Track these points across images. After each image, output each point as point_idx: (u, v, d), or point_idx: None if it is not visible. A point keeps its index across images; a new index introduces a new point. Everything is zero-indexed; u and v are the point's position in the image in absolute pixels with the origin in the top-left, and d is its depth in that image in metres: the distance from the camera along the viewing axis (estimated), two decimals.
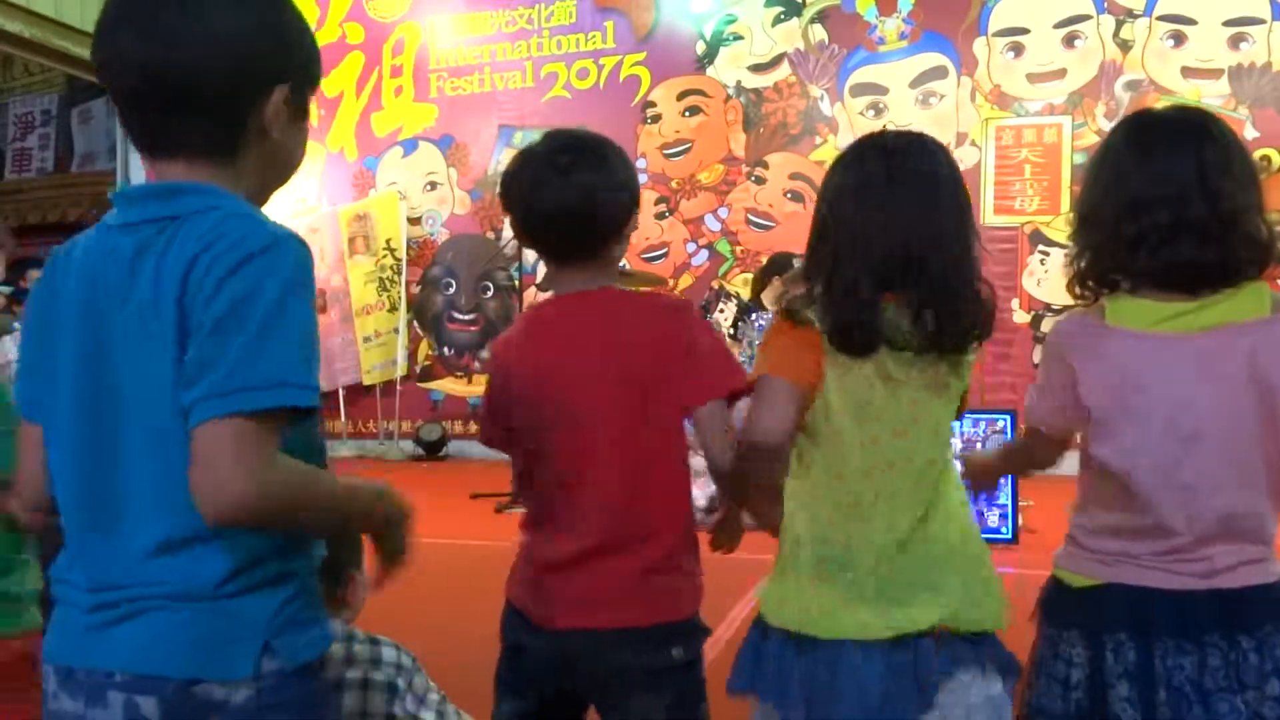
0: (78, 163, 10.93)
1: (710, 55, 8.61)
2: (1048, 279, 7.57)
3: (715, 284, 8.37)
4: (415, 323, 9.35)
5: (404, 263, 9.13)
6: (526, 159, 1.60)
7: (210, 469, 0.98)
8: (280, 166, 1.20)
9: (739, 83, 8.53)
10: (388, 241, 9.18)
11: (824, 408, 1.45)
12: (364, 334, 9.24)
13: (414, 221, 9.29)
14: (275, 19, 1.13)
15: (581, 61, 8.92)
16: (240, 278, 1.01)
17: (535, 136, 1.69)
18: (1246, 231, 1.44)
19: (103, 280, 1.08)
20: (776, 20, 8.44)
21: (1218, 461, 1.44)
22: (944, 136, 7.92)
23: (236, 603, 1.06)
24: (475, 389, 9.17)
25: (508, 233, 8.62)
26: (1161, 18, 7.53)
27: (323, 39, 9.64)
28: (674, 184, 8.65)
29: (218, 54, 1.08)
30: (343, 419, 9.36)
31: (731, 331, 6.52)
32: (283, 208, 9.59)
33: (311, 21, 8.64)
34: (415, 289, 9.31)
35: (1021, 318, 7.58)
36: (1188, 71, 7.48)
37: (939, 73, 8.02)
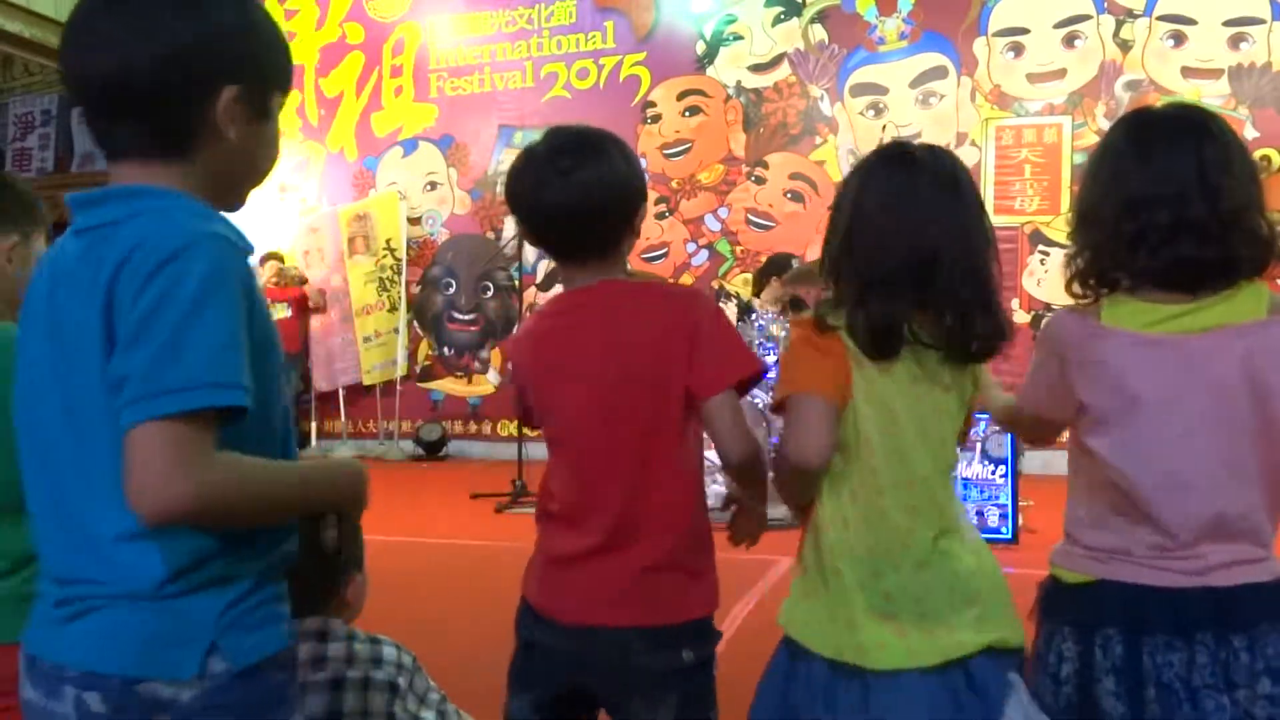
0: (78, 163, 10.94)
1: (710, 55, 8.61)
2: (1048, 279, 7.58)
3: (715, 284, 8.38)
4: (415, 323, 9.36)
5: (404, 263, 9.14)
6: (528, 159, 1.60)
7: (138, 473, 1.00)
8: (245, 167, 1.20)
9: (739, 83, 8.53)
10: (388, 241, 9.19)
11: (853, 421, 1.45)
12: (364, 334, 9.25)
13: (414, 221, 9.30)
14: (219, 21, 1.13)
15: (581, 61, 8.92)
16: (154, 283, 1.01)
17: (535, 136, 1.68)
18: (1247, 230, 1.44)
19: (60, 284, 1.11)
20: (776, 20, 8.44)
21: (1212, 462, 1.44)
22: (944, 136, 7.94)
23: (182, 602, 1.07)
24: (475, 389, 9.18)
25: (508, 233, 8.64)
26: (1161, 18, 7.54)
27: (323, 39, 9.66)
28: (674, 184, 8.66)
29: (151, 58, 1.09)
30: (343, 419, 9.37)
31: (738, 328, 6.51)
32: (283, 208, 9.61)
33: (311, 21, 8.59)
34: (415, 289, 9.32)
35: (1021, 318, 7.59)
36: (1188, 71, 7.48)
37: (939, 73, 8.03)
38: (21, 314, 1.17)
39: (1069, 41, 7.75)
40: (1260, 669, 1.40)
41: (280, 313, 8.70)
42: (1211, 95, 7.28)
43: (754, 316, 6.25)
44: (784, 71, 8.42)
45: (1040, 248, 7.69)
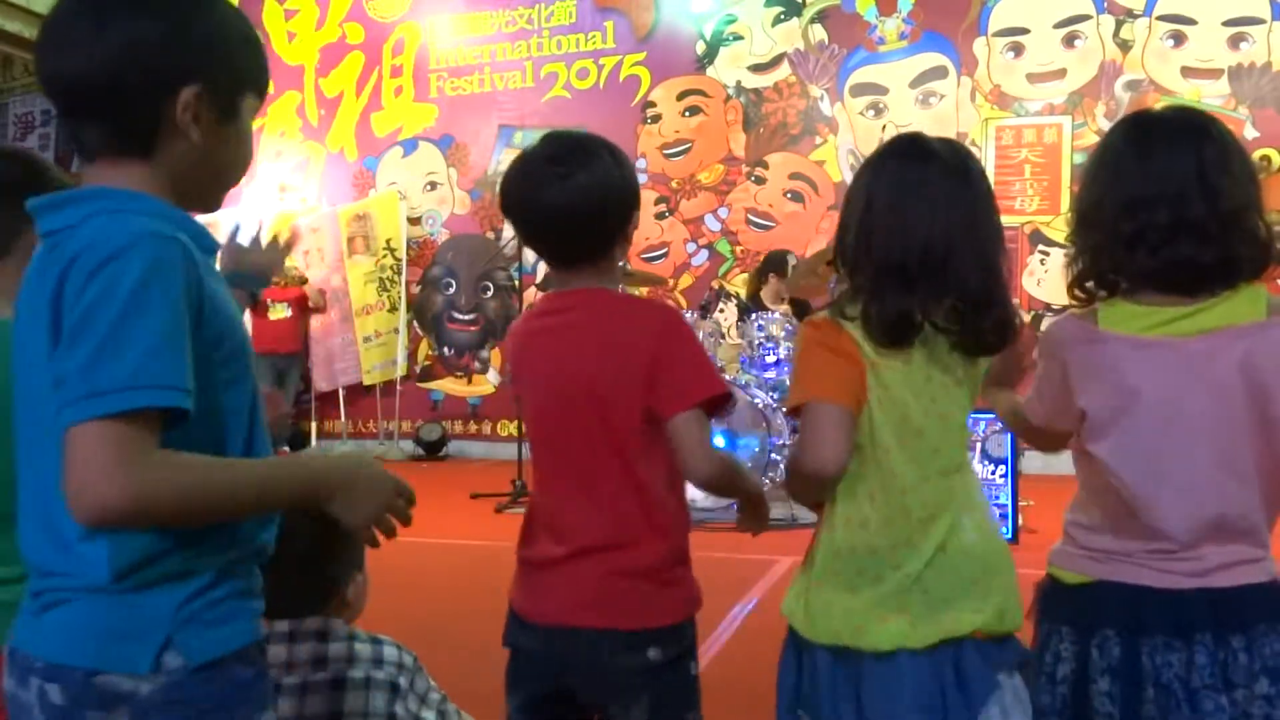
0: (78, 163, 10.94)
1: (710, 55, 8.62)
2: (1048, 279, 7.58)
3: (715, 284, 8.38)
4: (415, 323, 9.36)
5: (404, 263, 9.14)
6: (524, 163, 1.61)
7: (73, 474, 1.00)
8: (213, 168, 1.20)
9: (739, 83, 8.54)
10: (388, 241, 9.19)
11: (868, 421, 1.45)
12: (364, 334, 9.25)
13: (414, 221, 9.31)
14: (179, 21, 1.14)
15: (581, 61, 8.92)
16: (93, 283, 1.01)
17: (535, 136, 1.68)
18: (1246, 230, 1.44)
19: (25, 288, 1.13)
20: (776, 20, 8.44)
21: (1210, 464, 1.44)
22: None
23: (137, 596, 1.08)
24: (475, 389, 9.18)
25: (508, 233, 8.64)
26: (1161, 18, 7.54)
27: (323, 39, 9.67)
28: (674, 184, 8.66)
29: (110, 57, 1.10)
30: (343, 419, 9.37)
31: (737, 330, 6.55)
32: (284, 208, 9.62)
33: (311, 21, 8.60)
34: (415, 289, 9.32)
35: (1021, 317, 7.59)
36: (1188, 71, 7.49)
37: (939, 73, 8.03)
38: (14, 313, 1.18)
39: (1069, 41, 7.76)
40: (1258, 669, 1.41)
41: (280, 313, 8.71)
42: (1211, 95, 7.29)
43: (754, 316, 6.27)
44: (784, 71, 8.42)
45: (1040, 248, 7.70)
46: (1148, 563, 1.45)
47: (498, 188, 1.64)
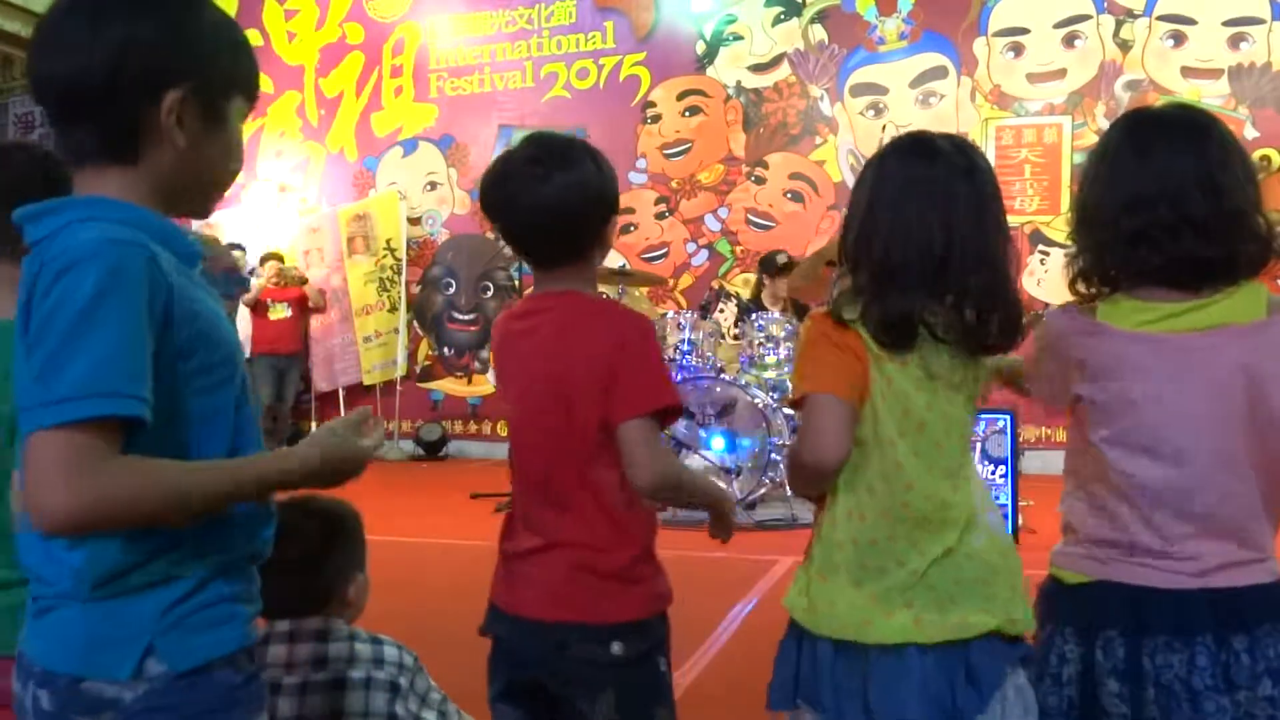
0: None
1: (710, 55, 8.62)
2: (1048, 278, 7.58)
3: (715, 284, 8.38)
4: (415, 323, 9.36)
5: (404, 263, 9.14)
6: (504, 164, 1.63)
7: (30, 484, 1.01)
8: (200, 172, 1.20)
9: (739, 83, 8.54)
10: (388, 241, 9.19)
11: (872, 416, 1.44)
12: (364, 334, 9.25)
13: (414, 221, 9.31)
14: (162, 25, 1.14)
15: (581, 61, 8.92)
16: (51, 294, 1.02)
17: None
18: (1247, 227, 1.44)
19: (18, 295, 1.13)
20: (776, 20, 8.44)
21: (1205, 461, 1.44)
22: None
23: (118, 603, 1.08)
24: (475, 389, 9.18)
25: None
26: (1161, 18, 7.54)
27: (323, 39, 9.66)
28: (674, 184, 8.66)
29: (94, 62, 1.10)
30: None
31: (736, 331, 6.56)
32: (283, 208, 9.62)
33: (311, 21, 8.58)
34: (415, 289, 9.32)
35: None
36: (1188, 71, 7.49)
37: (939, 73, 8.03)
38: None
39: (1069, 41, 7.76)
40: (1261, 670, 1.40)
41: (280, 313, 8.71)
42: (1211, 95, 7.29)
43: (754, 316, 6.27)
44: (784, 71, 8.42)
45: (1040, 248, 7.70)
46: (1148, 562, 1.45)
47: (479, 187, 1.65)
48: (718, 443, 5.69)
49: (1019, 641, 1.46)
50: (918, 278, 1.42)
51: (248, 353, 8.58)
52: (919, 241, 1.42)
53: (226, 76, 1.20)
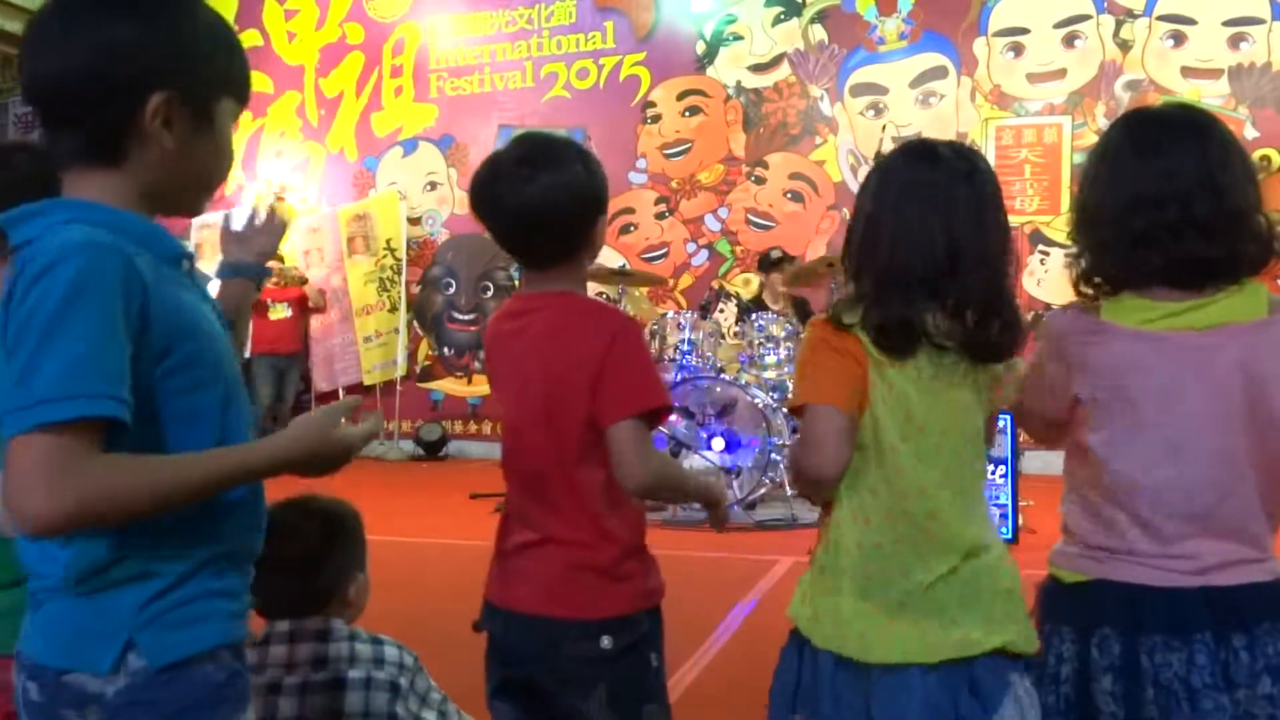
0: None
1: (710, 55, 8.62)
2: (1048, 279, 7.58)
3: (715, 284, 8.38)
4: (415, 323, 9.36)
5: (404, 263, 9.14)
6: (492, 164, 1.64)
7: (9, 486, 1.02)
8: (188, 173, 1.20)
9: (739, 83, 8.53)
10: (388, 241, 9.19)
11: (872, 423, 1.44)
12: (364, 334, 9.25)
13: (414, 221, 9.30)
14: (147, 28, 1.14)
15: (581, 61, 8.92)
16: (27, 299, 1.03)
17: None
18: (1248, 227, 1.45)
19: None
20: (776, 20, 8.44)
21: (1204, 458, 1.44)
22: (944, 136, 7.84)
23: (101, 597, 1.10)
24: (475, 389, 9.18)
25: None
26: (1161, 18, 7.54)
27: (323, 39, 9.66)
28: (674, 184, 8.66)
29: (79, 65, 1.11)
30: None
31: (736, 331, 6.56)
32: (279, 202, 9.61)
33: (311, 21, 8.58)
34: (415, 289, 9.32)
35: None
36: (1188, 71, 7.49)
37: (939, 73, 8.03)
38: None
39: (1069, 41, 7.76)
40: (1260, 668, 1.41)
41: (280, 313, 8.71)
42: (1211, 95, 7.29)
43: (754, 316, 6.27)
44: (784, 71, 8.42)
45: (1040, 248, 7.69)
46: (1146, 561, 1.45)
47: (469, 187, 1.67)
48: (717, 443, 5.69)
49: (1022, 657, 1.46)
50: (920, 282, 1.41)
51: (247, 353, 8.60)
52: (921, 245, 1.42)
53: (214, 78, 1.20)
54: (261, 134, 9.71)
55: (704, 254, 8.58)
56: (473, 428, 9.14)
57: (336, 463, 1.21)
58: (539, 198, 1.56)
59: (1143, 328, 1.46)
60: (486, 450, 8.85)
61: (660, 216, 8.66)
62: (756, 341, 6.11)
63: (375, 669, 1.68)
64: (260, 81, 9.58)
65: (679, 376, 5.76)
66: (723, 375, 5.88)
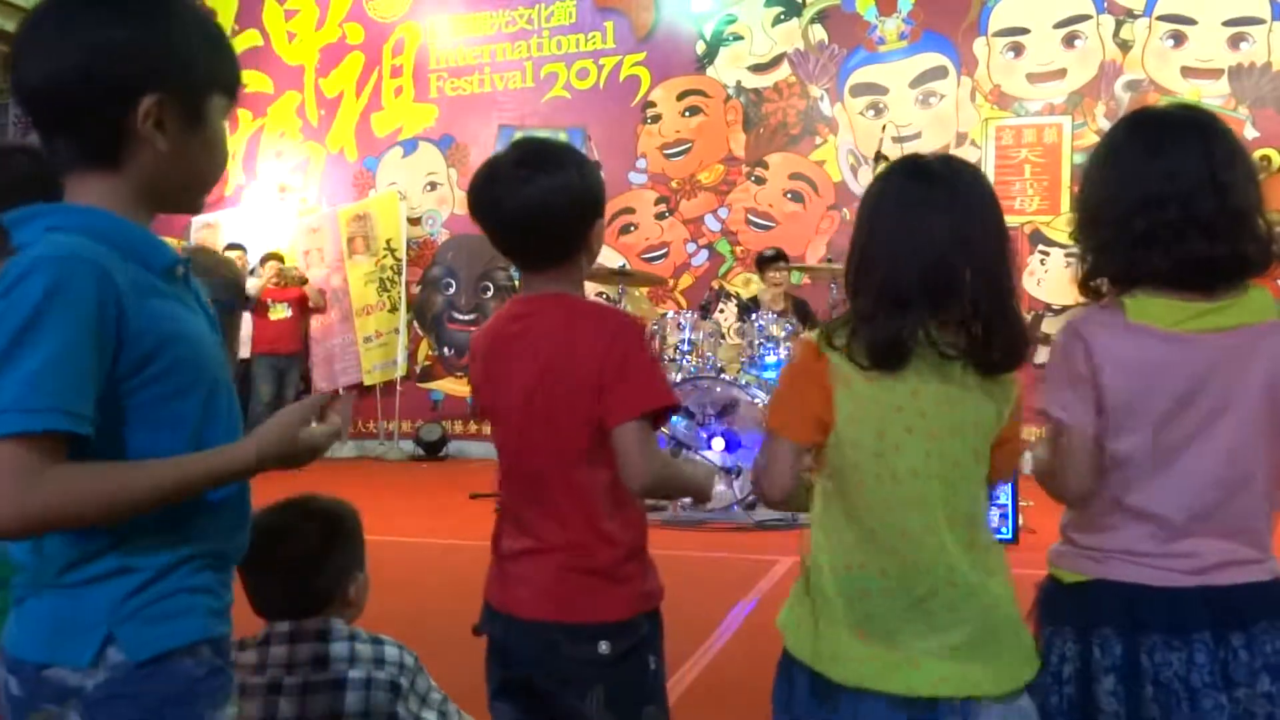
0: None
1: (710, 55, 8.62)
2: (1048, 279, 7.58)
3: (715, 284, 8.38)
4: (415, 323, 9.36)
5: (404, 263, 9.14)
6: (489, 168, 1.65)
7: None
8: (184, 173, 1.21)
9: (739, 83, 8.53)
10: (388, 241, 9.19)
11: (837, 444, 1.44)
12: (364, 334, 9.25)
13: (414, 221, 9.30)
14: (135, 30, 1.14)
15: (581, 61, 8.92)
16: None
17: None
18: (1249, 227, 1.45)
19: None
20: (776, 20, 8.44)
21: (1216, 456, 1.44)
22: (944, 136, 7.94)
23: (80, 591, 1.11)
24: None
25: None
26: (1161, 18, 7.54)
27: (323, 39, 9.66)
28: (674, 184, 8.66)
29: (69, 68, 1.11)
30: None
31: (736, 330, 6.57)
32: (284, 208, 9.61)
33: (311, 21, 8.58)
34: (415, 289, 9.32)
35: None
36: (1188, 71, 7.49)
37: (939, 73, 8.03)
38: None
39: (1069, 41, 7.76)
40: (1259, 667, 1.41)
41: (280, 313, 8.71)
42: (1211, 95, 7.29)
43: (754, 316, 6.27)
44: (784, 71, 8.42)
45: (1040, 248, 7.69)
46: (1146, 561, 1.45)
47: (468, 190, 1.67)
48: (717, 444, 5.68)
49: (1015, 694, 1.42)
50: (915, 299, 1.40)
51: (247, 353, 8.60)
52: (916, 262, 1.41)
53: (204, 76, 1.20)
54: (261, 134, 9.71)
55: (704, 254, 8.58)
56: (473, 428, 9.12)
57: (302, 461, 1.21)
58: (537, 200, 1.57)
59: (1174, 329, 1.45)
60: (486, 450, 8.84)
61: (660, 217, 8.66)
62: (756, 341, 6.11)
63: (376, 669, 1.68)
64: (260, 81, 9.60)
65: (679, 377, 5.77)
66: (723, 375, 5.88)
